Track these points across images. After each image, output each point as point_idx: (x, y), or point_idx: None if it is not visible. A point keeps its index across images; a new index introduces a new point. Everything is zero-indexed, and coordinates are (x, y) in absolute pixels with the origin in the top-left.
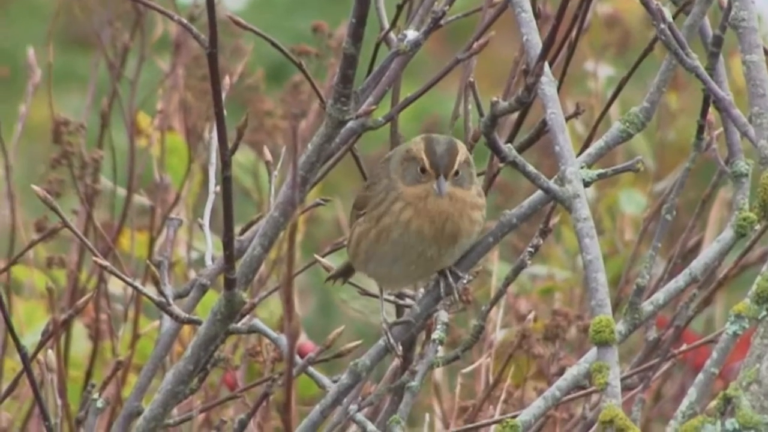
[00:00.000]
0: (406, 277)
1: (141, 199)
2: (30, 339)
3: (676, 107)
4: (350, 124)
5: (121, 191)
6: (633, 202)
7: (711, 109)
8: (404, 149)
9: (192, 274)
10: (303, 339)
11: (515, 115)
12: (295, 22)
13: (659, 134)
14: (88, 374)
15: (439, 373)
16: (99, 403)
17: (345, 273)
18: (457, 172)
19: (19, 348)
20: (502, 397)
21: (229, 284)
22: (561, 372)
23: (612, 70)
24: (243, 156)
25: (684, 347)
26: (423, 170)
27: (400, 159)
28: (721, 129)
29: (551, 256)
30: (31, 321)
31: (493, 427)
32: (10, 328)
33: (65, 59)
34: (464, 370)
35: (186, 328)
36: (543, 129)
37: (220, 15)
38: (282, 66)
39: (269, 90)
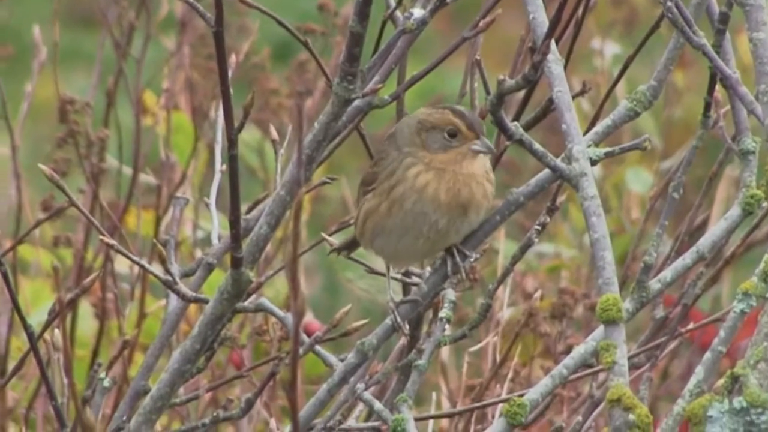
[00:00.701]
0: (413, 253)
1: (147, 178)
2: (36, 318)
3: (683, 85)
4: (356, 102)
5: (127, 170)
6: (639, 181)
7: (717, 87)
8: (413, 122)
9: (198, 253)
10: (309, 318)
11: (521, 94)
12: (301, 1)
13: (666, 112)
14: (95, 353)
15: (445, 351)
16: (106, 383)
17: (349, 246)
18: None
19: (26, 327)
20: (509, 376)
21: (236, 263)
22: (568, 350)
23: (618, 48)
24: (248, 135)
25: (691, 326)
26: (453, 135)
27: (413, 131)
28: (728, 107)
29: (558, 235)
30: (37, 300)
31: (500, 405)
32: (16, 307)
33: (70, 38)
34: (471, 349)
35: (192, 307)
36: (549, 107)
37: None
38: (287, 45)
39: (275, 69)
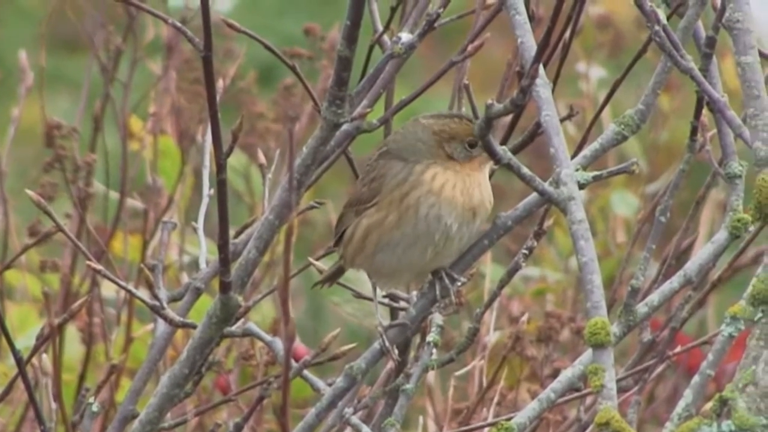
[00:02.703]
0: (414, 268)
1: (134, 202)
2: (23, 343)
3: (668, 109)
4: (345, 126)
5: (114, 195)
6: (625, 204)
7: (704, 111)
8: (425, 135)
9: (184, 278)
10: (296, 342)
11: (507, 118)
12: (284, 24)
13: (651, 136)
14: (81, 378)
15: (431, 375)
16: (94, 407)
17: (333, 276)
18: None
19: (14, 352)
20: (496, 400)
21: (225, 287)
22: (554, 374)
23: (604, 71)
24: (235, 159)
25: (678, 349)
26: (473, 145)
27: (433, 143)
28: (715, 131)
29: (543, 258)
30: (23, 325)
31: (487, 429)
32: (5, 332)
33: (53, 62)
34: (458, 373)
35: (179, 332)
36: (536, 131)
37: (212, 18)
38: (272, 68)
39: (259, 92)
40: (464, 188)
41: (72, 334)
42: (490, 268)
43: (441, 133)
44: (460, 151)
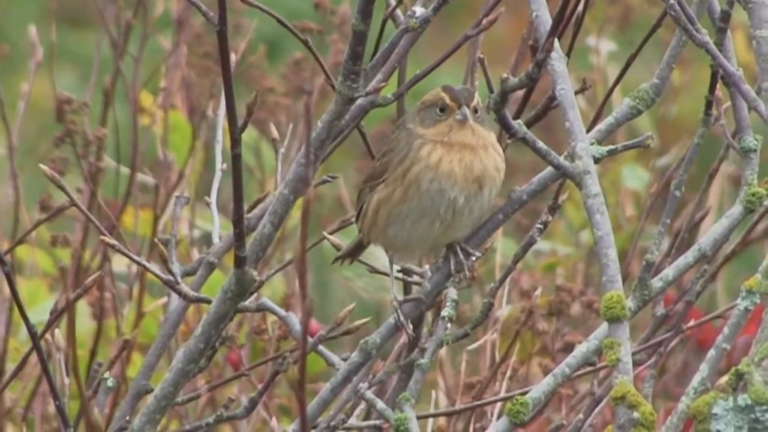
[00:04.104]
0: (426, 240)
1: (144, 177)
2: (34, 318)
3: (678, 83)
4: (359, 101)
5: (124, 170)
6: (636, 177)
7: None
8: (417, 105)
9: (195, 253)
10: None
11: (519, 92)
12: None
13: (661, 110)
14: (93, 353)
15: (443, 349)
16: (109, 383)
17: (353, 252)
18: (476, 110)
19: (29, 327)
20: (508, 374)
21: (240, 262)
22: (565, 348)
23: (614, 45)
24: (245, 134)
25: (692, 323)
26: (443, 109)
27: (415, 111)
28: (728, 104)
29: (554, 232)
30: (33, 300)
31: (498, 403)
32: (20, 307)
33: (57, 37)
34: (470, 347)
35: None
36: (549, 105)
37: None
38: (278, 42)
39: (266, 67)
40: (461, 160)
41: (82, 309)
42: (501, 243)
43: (423, 103)
44: (430, 116)
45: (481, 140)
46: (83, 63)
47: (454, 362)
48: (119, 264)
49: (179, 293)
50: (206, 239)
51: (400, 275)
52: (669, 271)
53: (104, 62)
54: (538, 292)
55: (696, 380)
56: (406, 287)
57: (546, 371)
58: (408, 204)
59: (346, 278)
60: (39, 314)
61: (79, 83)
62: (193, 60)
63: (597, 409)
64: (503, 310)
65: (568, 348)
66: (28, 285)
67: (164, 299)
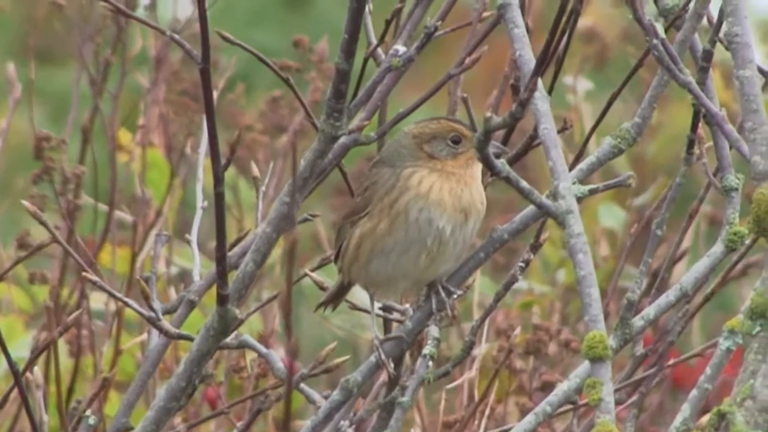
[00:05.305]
0: (410, 274)
1: (122, 214)
2: (11, 355)
3: (656, 122)
4: (343, 139)
5: (102, 207)
6: (612, 216)
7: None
8: (406, 140)
9: (172, 290)
10: (282, 354)
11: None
12: (255, 34)
13: (638, 149)
14: (70, 390)
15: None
16: (91, 420)
17: (335, 298)
18: None
19: (11, 364)
20: (486, 413)
21: (223, 300)
22: (542, 387)
23: (590, 84)
24: None
25: (672, 361)
26: (457, 141)
27: (413, 146)
28: (710, 143)
29: (531, 271)
30: (10, 337)
31: None
32: (2, 344)
33: (25, 73)
34: (449, 386)
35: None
36: (531, 144)
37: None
38: (249, 78)
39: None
40: (451, 189)
41: (60, 346)
42: (479, 281)
43: (421, 135)
44: (443, 148)
45: (480, 173)
46: (52, 100)
47: (430, 401)
48: (96, 302)
49: (161, 330)
50: (183, 277)
51: (381, 312)
52: (650, 310)
53: (66, 98)
54: (517, 331)
55: (678, 420)
56: (387, 325)
57: (523, 410)
58: (394, 236)
59: (322, 317)
60: (16, 351)
61: (50, 120)
62: (170, 97)
63: None
64: (481, 348)
65: (546, 387)
66: (4, 321)
67: (143, 336)
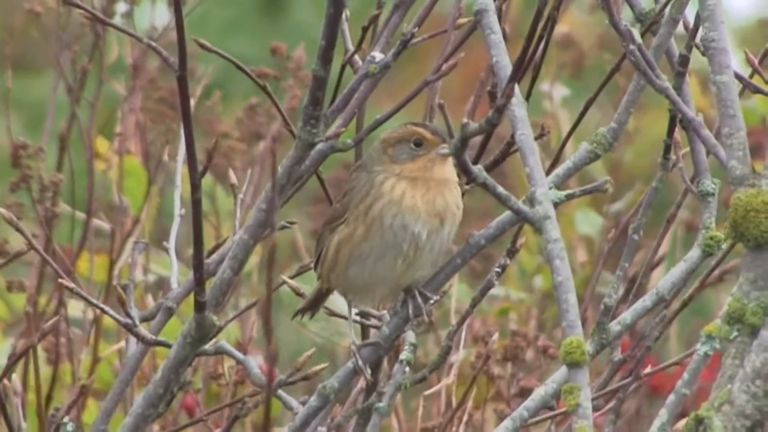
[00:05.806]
0: (388, 279)
1: (100, 222)
2: None
3: (633, 128)
4: (320, 146)
5: (80, 215)
6: (589, 222)
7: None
8: (377, 144)
9: (149, 298)
10: (260, 360)
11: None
12: (232, 43)
13: (614, 155)
14: (49, 398)
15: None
16: (69, 427)
17: (314, 305)
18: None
19: None
20: (464, 419)
21: (200, 307)
22: (520, 393)
23: (566, 90)
24: None
25: (649, 368)
26: (419, 144)
27: (380, 150)
28: (687, 149)
29: (507, 277)
30: None
31: None
32: None
33: (2, 81)
34: (427, 392)
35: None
36: (508, 151)
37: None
38: (225, 86)
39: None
40: (424, 193)
41: (38, 353)
42: (455, 287)
43: (388, 140)
44: (403, 152)
45: (453, 175)
46: (29, 108)
47: (408, 407)
48: (74, 309)
49: (138, 336)
50: (160, 284)
51: (358, 318)
52: (627, 315)
53: (42, 107)
54: (494, 337)
55: (656, 425)
56: (364, 331)
57: (501, 416)
58: (370, 242)
59: (300, 324)
60: None
61: (27, 128)
62: (148, 105)
63: None
64: (459, 355)
65: (524, 393)
66: None
67: (121, 344)
